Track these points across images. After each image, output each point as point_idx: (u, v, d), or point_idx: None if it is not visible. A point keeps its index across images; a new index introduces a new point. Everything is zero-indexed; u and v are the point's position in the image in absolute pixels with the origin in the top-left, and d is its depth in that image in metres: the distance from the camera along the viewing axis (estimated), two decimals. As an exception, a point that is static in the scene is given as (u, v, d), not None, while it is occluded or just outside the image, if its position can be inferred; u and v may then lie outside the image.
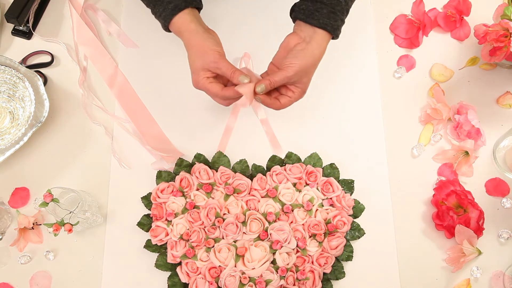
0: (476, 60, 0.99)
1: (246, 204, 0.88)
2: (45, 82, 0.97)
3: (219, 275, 0.84)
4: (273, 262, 0.85)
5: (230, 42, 1.00)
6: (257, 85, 0.74)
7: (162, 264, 0.86)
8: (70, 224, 0.80)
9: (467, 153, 0.91)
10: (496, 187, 0.92)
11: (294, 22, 0.78)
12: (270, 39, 1.00)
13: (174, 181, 0.90)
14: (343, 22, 0.77)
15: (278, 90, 0.78)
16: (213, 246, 0.86)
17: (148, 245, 0.87)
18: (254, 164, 0.92)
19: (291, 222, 0.87)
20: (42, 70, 0.98)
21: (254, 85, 0.74)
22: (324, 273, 0.86)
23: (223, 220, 0.86)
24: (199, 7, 0.78)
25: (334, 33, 0.75)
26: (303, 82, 0.76)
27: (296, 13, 0.76)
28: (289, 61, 0.74)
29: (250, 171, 0.92)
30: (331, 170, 0.92)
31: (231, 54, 0.99)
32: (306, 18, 0.75)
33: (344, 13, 0.77)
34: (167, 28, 0.78)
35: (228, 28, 1.01)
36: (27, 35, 1.00)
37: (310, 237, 0.87)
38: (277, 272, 0.84)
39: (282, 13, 1.02)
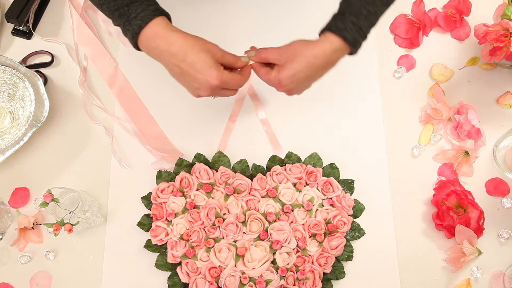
0: (476, 60, 0.99)
1: (246, 204, 0.88)
2: (45, 82, 0.97)
3: (219, 275, 0.84)
4: (273, 262, 0.85)
5: (230, 42, 1.01)
6: (249, 52, 0.75)
7: (162, 264, 0.86)
8: (70, 224, 0.80)
9: (467, 153, 0.91)
10: (496, 187, 0.92)
11: None
12: (270, 38, 1.00)
13: (174, 181, 0.90)
14: (355, 25, 0.70)
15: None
16: (213, 246, 0.86)
17: (148, 245, 0.87)
18: (254, 164, 0.92)
19: (291, 222, 0.87)
20: (42, 70, 0.98)
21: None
22: (324, 273, 0.86)
23: (223, 220, 0.86)
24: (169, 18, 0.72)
25: (341, 34, 0.70)
26: (289, 67, 0.71)
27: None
28: (295, 46, 0.72)
29: (250, 171, 0.92)
30: (331, 170, 0.92)
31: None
32: (339, 31, 0.71)
33: (358, 16, 0.70)
34: (136, 41, 0.70)
35: (228, 27, 1.01)
36: (27, 35, 1.00)
37: (310, 237, 0.87)
38: (277, 272, 0.84)
39: (284, 12, 1.02)
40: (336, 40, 0.71)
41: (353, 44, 0.72)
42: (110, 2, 0.69)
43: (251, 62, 0.76)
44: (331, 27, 0.71)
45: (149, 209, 0.90)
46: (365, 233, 0.89)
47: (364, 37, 0.73)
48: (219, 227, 0.86)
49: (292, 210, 0.88)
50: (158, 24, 0.68)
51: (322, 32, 0.73)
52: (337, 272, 0.87)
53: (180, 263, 0.86)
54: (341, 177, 0.92)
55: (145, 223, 0.89)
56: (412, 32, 1.01)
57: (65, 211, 0.81)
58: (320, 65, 0.72)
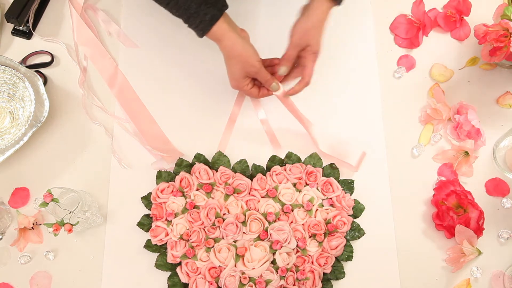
0: (476, 60, 0.99)
1: (246, 204, 0.88)
2: (45, 82, 0.97)
3: (219, 275, 0.84)
4: (273, 262, 0.85)
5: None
6: (278, 69, 0.83)
7: (162, 264, 0.86)
8: (70, 224, 0.80)
9: (467, 153, 0.91)
10: (496, 187, 0.92)
11: None
12: (271, 38, 1.00)
13: (174, 181, 0.90)
14: None
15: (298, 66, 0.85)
16: (213, 246, 0.86)
17: (148, 245, 0.87)
18: (254, 164, 0.92)
19: (291, 222, 0.87)
20: (42, 70, 0.98)
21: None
22: (324, 273, 0.86)
23: (223, 220, 0.86)
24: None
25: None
26: (311, 44, 0.80)
27: None
28: (293, 28, 0.81)
29: (250, 171, 0.92)
30: (331, 170, 0.92)
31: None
32: None
33: None
34: (202, 36, 0.81)
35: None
36: (27, 35, 1.00)
37: (310, 237, 0.87)
38: (277, 272, 0.84)
39: (284, 12, 1.02)
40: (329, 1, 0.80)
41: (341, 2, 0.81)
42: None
43: (279, 92, 0.85)
44: None
45: (149, 209, 0.90)
46: (365, 233, 0.89)
47: None
48: (219, 227, 0.86)
49: (292, 210, 0.88)
50: (223, 23, 0.79)
51: None
52: (337, 272, 0.87)
53: (180, 263, 0.86)
54: (341, 177, 0.92)
55: (145, 223, 0.89)
56: (412, 32, 1.01)
57: (65, 211, 0.81)
58: (326, 19, 0.81)
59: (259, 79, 0.83)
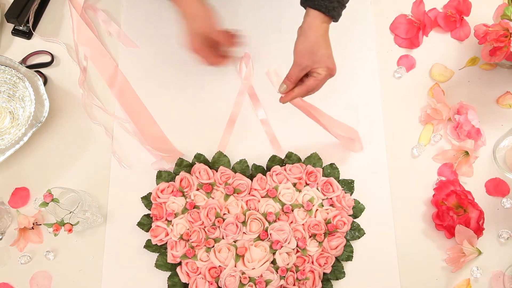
0: (476, 60, 0.99)
1: (246, 204, 0.88)
2: (45, 82, 0.97)
3: (219, 275, 0.84)
4: (273, 262, 0.85)
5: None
6: (280, 87, 0.80)
7: (162, 264, 0.86)
8: (70, 224, 0.80)
9: (467, 153, 0.91)
10: (496, 187, 0.92)
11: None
12: (270, 40, 1.01)
13: (174, 181, 0.90)
14: (340, 3, 0.78)
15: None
16: (213, 246, 0.86)
17: (148, 245, 0.87)
18: (254, 164, 0.92)
19: (291, 222, 0.87)
20: (42, 70, 0.98)
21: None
22: (324, 273, 0.86)
23: (223, 220, 0.86)
24: None
25: (330, 14, 0.77)
26: (318, 61, 0.77)
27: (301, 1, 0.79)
28: (293, 50, 0.79)
29: (250, 171, 0.92)
30: (331, 170, 0.92)
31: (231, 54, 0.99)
32: (304, 1, 0.78)
33: None
34: None
35: (229, 28, 1.01)
36: (27, 35, 1.00)
37: (310, 237, 0.87)
38: (277, 272, 0.84)
39: (282, 13, 1.02)
40: (321, 16, 0.78)
41: (334, 15, 0.78)
42: None
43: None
44: (321, 7, 0.76)
45: (149, 209, 0.90)
46: (365, 233, 0.89)
47: (344, 8, 0.80)
48: (219, 227, 0.86)
49: (292, 210, 0.88)
50: None
51: (304, 6, 0.79)
52: (337, 272, 0.87)
53: (180, 263, 0.86)
54: (341, 177, 0.92)
55: (145, 223, 0.89)
56: (412, 32, 1.01)
57: (65, 211, 0.81)
58: (326, 34, 0.79)
59: (220, 40, 0.82)
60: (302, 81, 0.80)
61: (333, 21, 0.79)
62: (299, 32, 0.79)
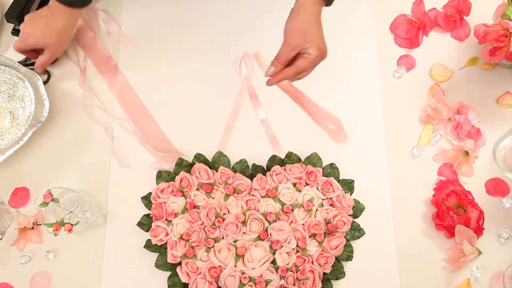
0: (476, 60, 0.99)
1: (246, 204, 0.88)
2: (48, 78, 0.96)
3: (219, 275, 0.84)
4: (273, 262, 0.85)
5: (230, 42, 1.01)
6: (268, 69, 0.77)
7: (162, 264, 0.86)
8: (70, 224, 0.80)
9: (467, 153, 0.91)
10: (496, 187, 0.92)
11: None
12: (270, 39, 1.01)
13: (174, 181, 0.90)
14: None
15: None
16: (213, 246, 0.86)
17: (148, 245, 0.87)
18: (254, 164, 0.92)
19: (291, 222, 0.87)
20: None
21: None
22: (324, 273, 0.86)
23: (223, 220, 0.86)
24: None
25: None
26: (309, 41, 0.75)
27: None
28: (284, 30, 0.76)
29: (250, 171, 0.92)
30: (331, 170, 0.92)
31: (231, 54, 0.99)
32: None
33: None
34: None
35: (229, 28, 1.01)
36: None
37: (310, 237, 0.87)
38: (277, 272, 0.84)
39: (283, 13, 1.02)
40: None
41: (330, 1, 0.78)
42: None
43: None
44: None
45: (149, 209, 0.90)
46: (365, 233, 0.89)
47: None
48: (219, 227, 0.86)
49: (292, 210, 0.88)
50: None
51: None
52: (337, 272, 0.87)
53: (180, 263, 0.86)
54: (341, 177, 0.92)
55: (145, 223, 0.89)
56: (412, 32, 1.01)
57: (65, 211, 0.81)
58: (318, 15, 0.77)
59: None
60: (291, 63, 0.77)
61: (326, 5, 0.77)
62: (290, 12, 0.76)
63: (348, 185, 0.91)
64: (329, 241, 0.86)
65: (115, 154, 0.93)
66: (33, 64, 0.93)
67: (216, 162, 0.92)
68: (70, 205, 0.84)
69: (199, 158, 0.92)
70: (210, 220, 0.86)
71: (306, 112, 0.87)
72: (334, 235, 0.87)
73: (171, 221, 0.87)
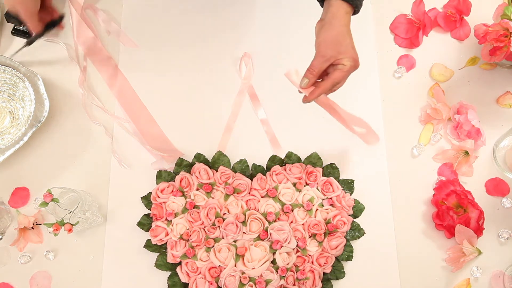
0: (476, 60, 0.99)
1: (246, 204, 0.88)
2: (60, 20, 0.94)
3: (219, 275, 0.84)
4: (273, 262, 0.85)
5: (230, 42, 1.01)
6: (301, 82, 0.77)
7: (162, 264, 0.86)
8: (70, 224, 0.80)
9: (467, 153, 0.91)
10: (496, 187, 0.92)
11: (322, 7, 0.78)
12: (271, 39, 1.01)
13: (174, 181, 0.90)
14: None
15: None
16: (213, 246, 0.86)
17: (148, 245, 0.87)
18: (254, 164, 0.92)
19: (291, 222, 0.87)
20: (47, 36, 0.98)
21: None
22: (324, 273, 0.86)
23: (223, 220, 0.86)
24: None
25: (353, 3, 0.75)
26: (343, 52, 0.75)
27: None
28: (315, 42, 0.75)
29: (250, 171, 0.92)
30: (331, 170, 0.92)
31: (231, 54, 0.99)
32: None
33: None
34: None
35: (229, 28, 1.01)
36: (27, 35, 1.00)
37: (310, 237, 0.87)
38: (277, 272, 0.84)
39: (283, 13, 1.02)
40: (344, 5, 0.75)
41: (359, 8, 0.77)
42: None
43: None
44: None
45: (149, 209, 0.90)
46: (365, 233, 0.89)
47: None
48: (219, 227, 0.86)
49: (292, 210, 0.88)
50: None
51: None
52: (337, 272, 0.87)
53: (180, 263, 0.86)
54: (341, 177, 0.92)
55: (145, 223, 0.89)
56: (412, 32, 1.01)
57: (65, 211, 0.81)
58: (349, 25, 0.77)
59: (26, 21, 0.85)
60: (324, 75, 0.77)
61: (354, 13, 0.77)
62: (320, 24, 0.76)
63: (348, 185, 0.91)
64: (329, 241, 0.86)
65: (115, 154, 0.93)
66: (42, 34, 0.91)
67: (216, 162, 0.92)
68: (70, 205, 0.84)
69: (199, 158, 0.92)
70: (210, 220, 0.86)
71: (340, 122, 0.87)
72: (334, 235, 0.87)
73: (171, 221, 0.87)
